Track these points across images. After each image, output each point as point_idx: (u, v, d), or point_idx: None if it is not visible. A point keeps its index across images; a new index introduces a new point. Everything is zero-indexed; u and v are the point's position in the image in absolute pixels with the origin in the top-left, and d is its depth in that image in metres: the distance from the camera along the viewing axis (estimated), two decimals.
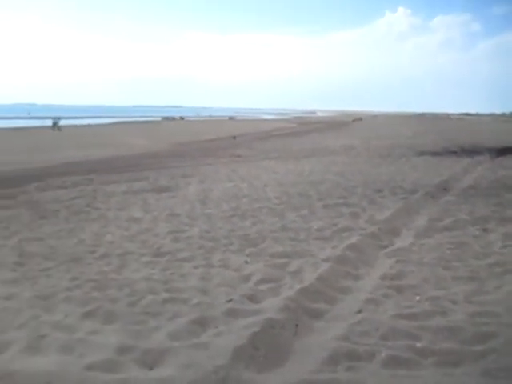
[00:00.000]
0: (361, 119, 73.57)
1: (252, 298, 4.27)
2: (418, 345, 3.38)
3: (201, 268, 5.07)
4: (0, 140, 25.23)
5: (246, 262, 5.22)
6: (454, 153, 17.85)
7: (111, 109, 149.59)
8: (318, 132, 37.15)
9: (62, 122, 39.31)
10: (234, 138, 29.90)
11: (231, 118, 72.22)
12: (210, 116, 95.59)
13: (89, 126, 43.93)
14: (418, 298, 4.24)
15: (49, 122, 39.00)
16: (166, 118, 68.41)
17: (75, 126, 42.08)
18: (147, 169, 14.07)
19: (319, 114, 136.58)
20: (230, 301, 4.16)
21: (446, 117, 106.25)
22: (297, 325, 3.69)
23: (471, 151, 18.21)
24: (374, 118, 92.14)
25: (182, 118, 69.18)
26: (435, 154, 17.38)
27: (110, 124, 49.75)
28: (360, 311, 3.97)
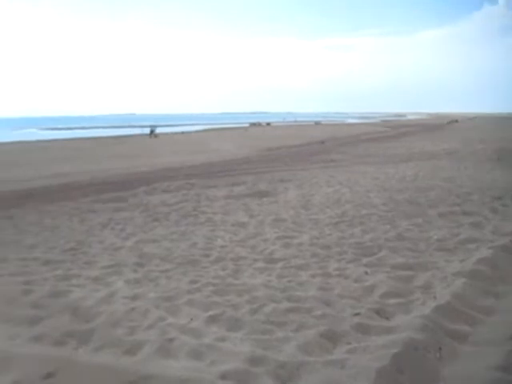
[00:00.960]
0: (456, 121, 68.84)
1: (380, 313, 3.95)
2: None
3: (318, 277, 4.84)
4: (107, 147, 27.44)
5: (366, 273, 4.89)
6: None
7: (201, 116, 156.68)
8: (411, 135, 35.27)
9: (157, 130, 41.92)
10: (323, 142, 29.45)
11: (317, 123, 71.64)
12: (296, 121, 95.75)
13: (182, 133, 46.19)
14: None
15: (146, 131, 41.76)
16: (253, 124, 69.71)
17: (170, 134, 44.57)
18: (242, 174, 14.24)
19: (409, 117, 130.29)
20: (358, 314, 3.89)
21: None
22: (440, 348, 3.30)
23: None
24: (472, 119, 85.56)
25: (268, 124, 69.99)
26: None
27: (200, 131, 51.92)
28: None
